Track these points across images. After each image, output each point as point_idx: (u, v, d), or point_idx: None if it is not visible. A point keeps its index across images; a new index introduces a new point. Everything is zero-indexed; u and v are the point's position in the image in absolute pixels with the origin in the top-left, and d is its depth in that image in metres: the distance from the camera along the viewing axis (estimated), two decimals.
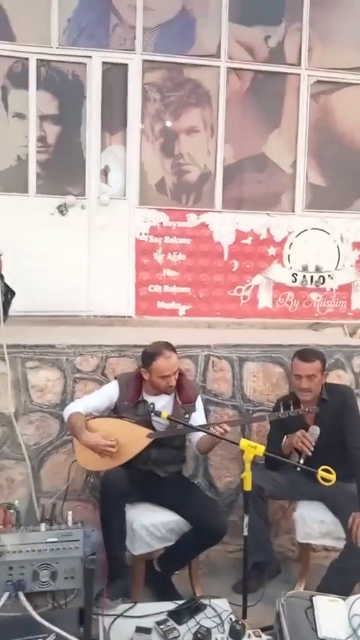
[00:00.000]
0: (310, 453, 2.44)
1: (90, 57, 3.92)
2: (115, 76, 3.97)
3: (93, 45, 3.92)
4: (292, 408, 2.46)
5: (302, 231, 4.23)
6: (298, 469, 2.39)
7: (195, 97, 4.11)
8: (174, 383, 2.48)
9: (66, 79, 3.97)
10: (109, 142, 4.05)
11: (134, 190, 4.04)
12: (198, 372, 2.95)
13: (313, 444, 2.46)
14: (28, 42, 3.80)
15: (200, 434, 2.51)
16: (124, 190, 4.05)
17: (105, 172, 4.04)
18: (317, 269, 4.27)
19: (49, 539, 1.59)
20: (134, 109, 3.99)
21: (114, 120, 4.02)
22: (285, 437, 2.56)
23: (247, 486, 2.17)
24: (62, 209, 3.96)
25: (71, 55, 3.90)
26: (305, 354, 2.62)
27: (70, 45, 3.90)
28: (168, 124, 4.11)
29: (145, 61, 3.98)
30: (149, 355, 2.50)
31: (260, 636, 1.92)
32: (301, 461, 2.45)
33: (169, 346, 2.51)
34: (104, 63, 3.94)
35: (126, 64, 3.97)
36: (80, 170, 4.00)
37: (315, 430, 2.49)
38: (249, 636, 1.91)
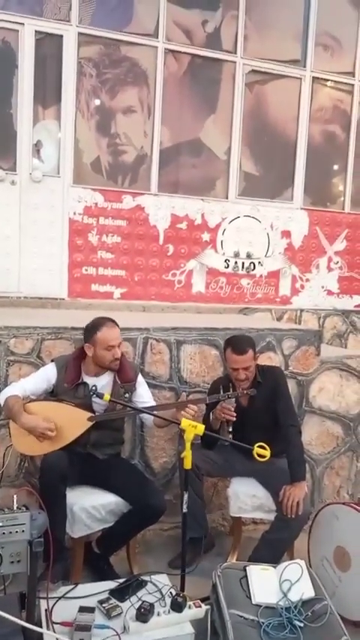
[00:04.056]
0: (234, 419, 2.53)
1: (22, 24, 3.72)
2: (49, 47, 3.81)
3: (25, 11, 3.73)
4: (231, 390, 2.55)
5: (235, 218, 4.34)
6: (227, 444, 2.48)
7: (132, 76, 4.04)
8: (119, 354, 2.47)
9: None
10: (42, 116, 3.89)
11: (68, 168, 3.93)
12: (137, 354, 2.96)
13: (232, 409, 2.54)
14: None
15: (155, 405, 2.54)
16: (58, 168, 3.92)
17: (37, 148, 3.88)
18: (248, 255, 4.41)
19: None
20: (69, 83, 3.85)
21: (47, 93, 3.87)
22: (211, 413, 2.66)
23: (188, 465, 2.23)
24: None
25: (1, 20, 3.68)
26: (238, 345, 2.63)
27: (0, 8, 3.67)
28: (97, 102, 4.00)
29: (80, 34, 3.85)
30: (92, 327, 2.49)
31: (201, 606, 2.00)
32: (230, 428, 2.53)
33: (109, 319, 2.53)
34: (37, 32, 3.76)
35: (61, 36, 3.81)
36: (11, 143, 3.82)
37: (230, 401, 2.58)
38: (190, 607, 1.98)
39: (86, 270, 4.03)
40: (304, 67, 4.42)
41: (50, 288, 3.97)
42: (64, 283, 4.00)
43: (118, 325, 2.54)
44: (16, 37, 3.73)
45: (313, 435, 3.33)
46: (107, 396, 2.33)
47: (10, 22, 3.70)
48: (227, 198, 4.33)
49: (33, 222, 3.88)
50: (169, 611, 1.95)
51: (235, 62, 4.23)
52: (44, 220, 3.90)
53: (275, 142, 4.47)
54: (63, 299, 4.00)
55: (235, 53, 4.22)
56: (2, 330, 2.79)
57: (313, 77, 4.46)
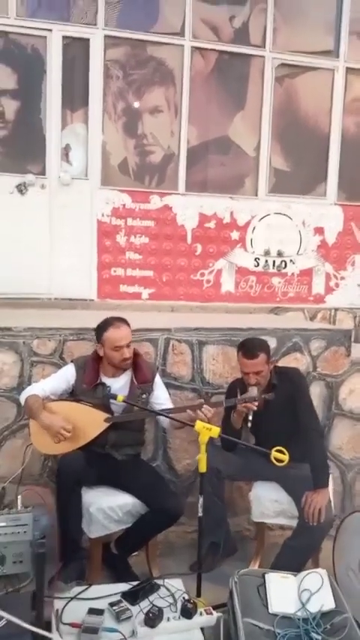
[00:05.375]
0: (255, 408, 2.46)
1: (50, 30, 3.78)
2: (76, 51, 3.86)
3: (53, 17, 3.78)
4: (248, 392, 2.49)
5: (265, 216, 4.25)
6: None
7: (158, 76, 4.03)
8: (128, 355, 2.47)
9: (25, 53, 3.83)
10: (70, 119, 3.94)
11: (96, 170, 3.96)
12: (158, 355, 2.94)
13: (256, 399, 2.46)
14: None
15: (170, 408, 2.52)
16: (86, 170, 3.97)
17: (66, 151, 3.94)
18: (279, 254, 4.30)
19: None
20: (96, 86, 3.89)
21: (75, 97, 3.91)
22: (232, 413, 2.60)
23: (202, 468, 2.19)
24: (22, 188, 3.85)
25: (30, 28, 3.76)
26: (249, 349, 2.58)
27: (29, 16, 3.75)
28: (136, 104, 4.02)
29: (107, 36, 3.87)
30: (100, 327, 2.52)
31: (212, 613, 1.95)
32: (250, 417, 2.47)
33: (120, 318, 2.53)
34: (65, 37, 3.81)
35: (87, 39, 3.85)
36: (40, 148, 3.89)
37: (252, 391, 2.51)
38: (201, 614, 1.94)
39: (115, 271, 4.05)
40: (337, 57, 4.27)
41: (80, 290, 4.01)
42: (94, 284, 4.04)
43: (128, 325, 2.52)
44: (44, 44, 3.79)
45: (344, 439, 3.21)
46: (121, 397, 2.33)
47: (38, 29, 3.77)
48: (257, 195, 4.24)
49: (62, 224, 3.93)
50: (179, 617, 1.91)
51: (263, 57, 4.13)
52: (73, 222, 3.95)
53: (307, 136, 4.34)
54: (92, 300, 4.04)
55: (264, 47, 4.12)
56: (26, 332, 2.85)
57: (347, 68, 4.29)
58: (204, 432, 2.17)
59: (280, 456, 2.21)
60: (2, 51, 3.76)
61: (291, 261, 4.33)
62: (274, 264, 4.30)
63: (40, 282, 3.93)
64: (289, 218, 4.30)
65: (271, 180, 4.27)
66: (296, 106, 4.30)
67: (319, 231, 4.37)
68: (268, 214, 4.25)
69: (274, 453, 2.22)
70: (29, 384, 2.73)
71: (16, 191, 3.84)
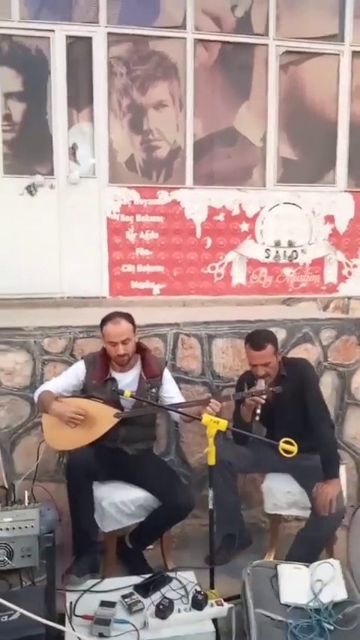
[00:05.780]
0: (263, 401, 2.45)
1: (53, 31, 3.81)
2: (79, 50, 3.87)
3: (56, 18, 3.80)
4: (256, 385, 2.49)
5: (274, 206, 4.21)
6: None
7: (162, 71, 4.02)
8: (122, 352, 2.47)
9: (29, 55, 3.86)
10: (76, 118, 3.97)
11: (104, 168, 3.98)
12: (167, 350, 2.96)
13: (263, 393, 2.46)
14: None
15: (178, 403, 2.55)
16: (94, 168, 3.99)
17: (73, 150, 3.97)
18: (290, 244, 4.26)
19: (5, 519, 1.61)
20: (100, 84, 3.90)
21: (80, 96, 3.93)
22: (241, 407, 2.60)
23: (211, 461, 2.20)
24: (31, 189, 3.90)
25: (34, 29, 3.79)
26: (256, 341, 2.58)
27: (32, 18, 3.78)
28: (134, 99, 4.01)
29: (109, 33, 3.87)
30: (102, 321, 2.56)
31: (222, 605, 1.97)
32: (258, 411, 2.47)
33: (122, 314, 2.54)
34: (68, 37, 3.83)
35: (90, 38, 3.86)
36: (48, 149, 3.92)
37: (260, 384, 2.51)
38: (211, 605, 1.96)
39: (125, 267, 4.07)
40: (343, 41, 4.18)
41: (92, 288, 4.04)
42: (105, 282, 4.06)
43: (131, 321, 2.53)
44: (47, 44, 3.82)
45: (358, 428, 3.18)
46: (128, 393, 2.35)
47: (41, 30, 3.79)
48: (265, 186, 4.20)
49: (72, 223, 3.96)
50: (189, 609, 1.93)
51: (267, 45, 4.08)
52: (83, 221, 3.98)
53: (314, 123, 4.27)
54: (105, 297, 4.07)
55: (267, 35, 4.07)
56: (36, 331, 2.89)
57: (353, 52, 4.21)
58: (211, 425, 2.18)
59: (288, 447, 2.21)
60: (7, 54, 3.80)
61: (302, 250, 4.28)
62: (285, 255, 4.26)
63: (52, 282, 3.97)
64: (299, 207, 4.25)
65: (279, 170, 4.23)
66: (302, 93, 4.24)
67: (330, 219, 4.31)
68: (277, 204, 4.21)
69: (282, 445, 2.22)
70: (41, 383, 2.78)
71: (26, 192, 3.89)
